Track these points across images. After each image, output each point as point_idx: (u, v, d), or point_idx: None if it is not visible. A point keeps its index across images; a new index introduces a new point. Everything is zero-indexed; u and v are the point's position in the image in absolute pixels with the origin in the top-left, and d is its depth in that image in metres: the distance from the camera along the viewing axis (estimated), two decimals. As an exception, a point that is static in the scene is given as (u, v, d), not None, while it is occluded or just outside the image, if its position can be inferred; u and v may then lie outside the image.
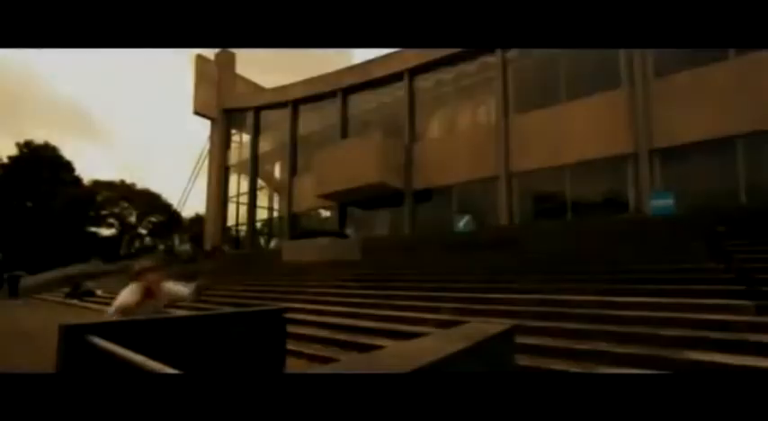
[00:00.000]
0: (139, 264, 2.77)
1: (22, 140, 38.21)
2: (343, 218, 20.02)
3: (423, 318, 5.73)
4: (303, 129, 23.40)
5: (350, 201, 19.37)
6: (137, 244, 41.99)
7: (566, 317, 4.88)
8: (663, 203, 11.60)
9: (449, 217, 16.59)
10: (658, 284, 5.30)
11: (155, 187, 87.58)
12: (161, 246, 41.36)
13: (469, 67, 17.31)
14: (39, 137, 64.35)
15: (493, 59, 16.36)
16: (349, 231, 17.56)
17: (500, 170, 15.44)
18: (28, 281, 20.94)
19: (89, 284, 15.15)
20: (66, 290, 15.62)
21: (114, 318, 2.39)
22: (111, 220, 40.00)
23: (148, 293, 2.66)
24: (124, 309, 2.56)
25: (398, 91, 19.29)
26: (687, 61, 12.13)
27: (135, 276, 2.68)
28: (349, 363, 1.00)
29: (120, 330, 1.32)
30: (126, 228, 40.81)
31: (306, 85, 23.02)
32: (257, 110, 25.76)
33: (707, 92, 11.77)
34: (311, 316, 6.85)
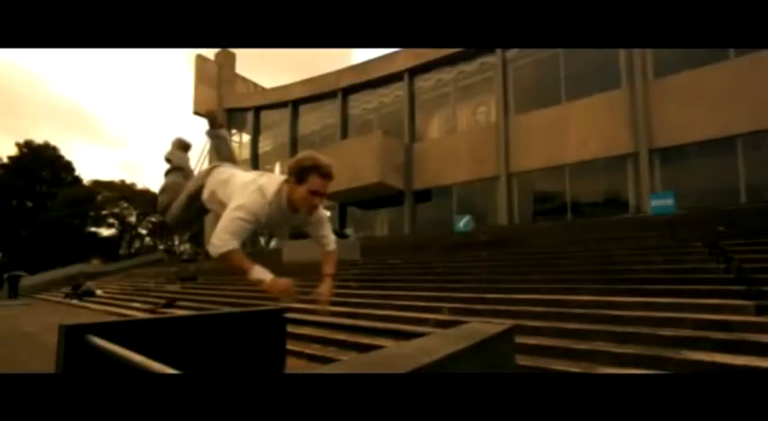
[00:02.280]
0: (312, 156, 1.61)
1: (22, 140, 38.25)
2: (343, 218, 20.02)
3: (423, 318, 5.73)
4: (303, 128, 23.42)
5: (350, 201, 19.38)
6: (137, 244, 42.02)
7: (566, 318, 4.88)
8: (663, 203, 11.61)
9: (449, 217, 16.60)
10: (658, 284, 5.30)
11: (155, 187, 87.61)
12: (161, 246, 41.40)
13: (469, 67, 17.31)
14: (39, 137, 64.49)
15: (493, 59, 16.37)
16: (349, 231, 17.55)
17: (500, 170, 15.44)
18: (28, 281, 20.94)
19: (89, 284, 15.15)
20: (66, 290, 15.63)
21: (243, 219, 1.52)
22: (111, 220, 40.02)
23: (294, 203, 1.63)
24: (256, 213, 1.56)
25: (398, 91, 19.30)
26: (687, 61, 12.14)
27: (298, 170, 1.58)
28: (349, 363, 1.00)
29: (120, 330, 1.32)
30: (126, 228, 40.82)
31: (306, 85, 23.04)
32: (257, 110, 25.77)
33: (707, 92, 11.77)
34: (311, 316, 6.85)
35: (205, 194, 1.83)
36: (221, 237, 1.52)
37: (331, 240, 1.94)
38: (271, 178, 1.66)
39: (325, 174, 1.60)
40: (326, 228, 1.91)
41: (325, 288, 1.82)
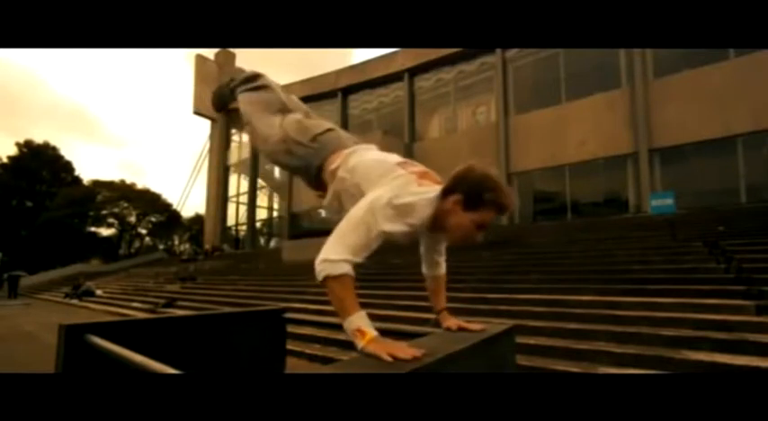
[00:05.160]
0: (496, 183, 1.17)
1: (22, 140, 38.21)
2: (343, 218, 20.00)
3: (423, 318, 5.73)
4: (303, 128, 23.37)
5: (350, 201, 19.35)
6: (137, 244, 42.01)
7: (566, 318, 4.88)
8: (663, 203, 11.61)
9: (449, 217, 16.58)
10: (658, 284, 5.30)
11: (155, 187, 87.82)
12: (161, 246, 41.38)
13: (469, 67, 17.30)
14: (39, 137, 64.50)
15: (493, 59, 16.36)
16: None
17: (500, 170, 15.44)
18: (28, 281, 20.94)
19: (89, 284, 15.14)
20: (66, 290, 15.63)
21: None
22: (111, 220, 39.97)
23: (441, 224, 1.22)
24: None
25: (398, 91, 19.29)
26: (687, 61, 12.14)
27: (474, 194, 1.15)
28: (349, 363, 1.00)
29: (120, 330, 1.32)
30: (126, 228, 40.78)
31: (305, 85, 23.01)
32: (257, 110, 25.73)
33: (707, 92, 11.77)
34: (311, 316, 6.84)
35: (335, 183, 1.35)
36: (335, 249, 1.02)
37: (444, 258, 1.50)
38: (428, 176, 1.20)
39: (504, 207, 1.16)
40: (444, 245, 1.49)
41: (460, 322, 1.40)
